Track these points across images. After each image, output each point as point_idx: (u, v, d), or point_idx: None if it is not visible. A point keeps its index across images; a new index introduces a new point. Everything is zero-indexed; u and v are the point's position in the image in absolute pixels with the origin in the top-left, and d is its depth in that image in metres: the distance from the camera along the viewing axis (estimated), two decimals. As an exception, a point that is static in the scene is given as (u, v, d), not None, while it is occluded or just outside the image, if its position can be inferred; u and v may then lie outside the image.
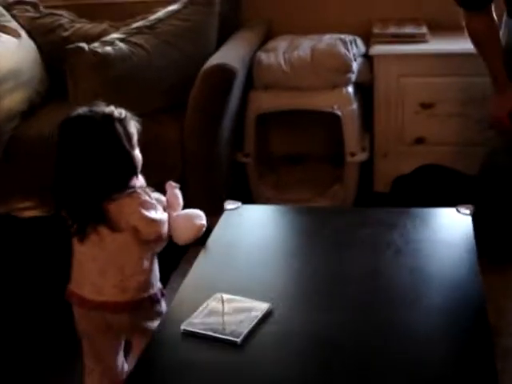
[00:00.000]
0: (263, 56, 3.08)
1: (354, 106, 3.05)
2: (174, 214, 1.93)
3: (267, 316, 1.61)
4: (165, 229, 1.87)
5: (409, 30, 3.25)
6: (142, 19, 3.15)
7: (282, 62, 3.03)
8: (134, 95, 2.87)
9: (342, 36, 3.14)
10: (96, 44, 2.87)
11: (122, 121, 1.84)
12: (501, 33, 2.60)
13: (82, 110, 1.86)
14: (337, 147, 3.23)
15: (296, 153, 3.51)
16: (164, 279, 2.27)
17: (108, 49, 2.84)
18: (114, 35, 2.98)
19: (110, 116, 1.83)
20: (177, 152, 2.83)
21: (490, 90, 2.66)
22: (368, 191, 3.32)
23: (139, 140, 1.89)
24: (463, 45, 3.07)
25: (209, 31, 3.09)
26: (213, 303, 1.65)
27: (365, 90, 3.26)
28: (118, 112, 1.86)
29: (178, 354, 1.53)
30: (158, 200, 1.90)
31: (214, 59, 2.82)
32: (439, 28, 3.33)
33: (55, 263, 2.83)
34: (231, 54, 2.92)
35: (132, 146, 1.85)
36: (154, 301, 1.90)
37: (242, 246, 1.95)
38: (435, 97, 3.14)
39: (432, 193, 3.29)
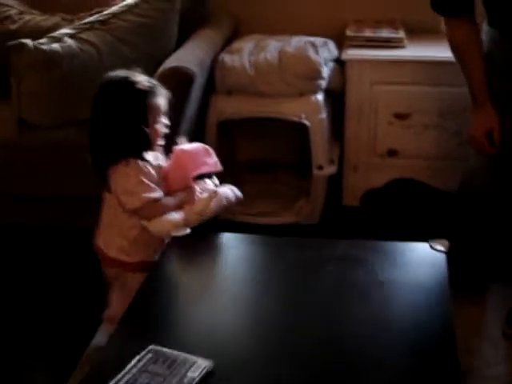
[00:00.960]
0: (227, 57, 2.83)
1: (323, 115, 2.82)
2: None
3: (208, 376, 1.37)
4: (145, 205, 1.92)
5: (385, 33, 3.02)
6: (98, 13, 2.90)
7: (247, 64, 2.79)
8: (81, 97, 2.60)
9: (312, 39, 2.90)
10: (43, 40, 2.62)
11: (149, 93, 1.94)
12: None
13: (119, 73, 2.00)
14: (304, 156, 3.02)
15: (261, 162, 3.29)
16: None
17: (55, 46, 2.59)
18: (64, 30, 2.72)
19: (136, 87, 1.93)
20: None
21: (470, 103, 2.45)
22: (337, 204, 3.11)
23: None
24: (442, 52, 2.87)
25: (167, 29, 2.84)
26: (144, 359, 1.41)
27: (336, 97, 3.04)
28: (149, 84, 1.96)
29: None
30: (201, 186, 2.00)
31: (171, 61, 2.58)
32: (418, 32, 3.12)
33: None
34: (190, 56, 2.67)
35: (154, 120, 1.95)
36: (131, 269, 2.02)
37: (185, 284, 1.71)
38: (411, 107, 2.92)
39: (404, 209, 3.09)
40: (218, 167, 2.08)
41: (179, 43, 2.87)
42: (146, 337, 1.47)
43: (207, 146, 2.09)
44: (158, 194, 1.96)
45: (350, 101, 2.95)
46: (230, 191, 2.06)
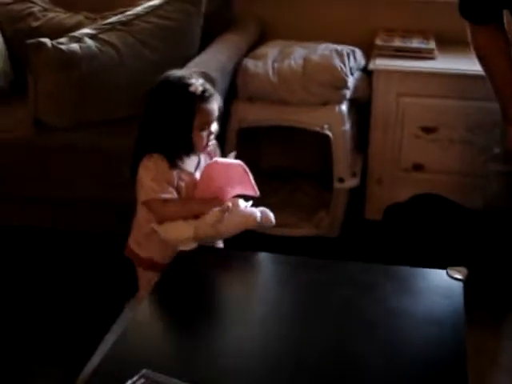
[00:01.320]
0: (250, 63, 2.76)
1: (347, 126, 2.74)
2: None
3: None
4: (150, 201, 1.91)
5: (415, 43, 2.93)
6: (122, 13, 2.84)
7: (270, 71, 2.72)
8: (99, 99, 2.59)
9: (339, 47, 2.81)
10: (62, 39, 2.57)
11: (200, 97, 1.89)
12: None
13: (177, 72, 1.97)
14: (327, 166, 2.93)
15: (283, 170, 3.21)
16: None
17: (74, 46, 2.54)
18: (84, 30, 2.67)
19: (188, 90, 1.89)
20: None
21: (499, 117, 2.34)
22: (359, 217, 3.03)
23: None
24: (473, 65, 2.76)
25: (191, 32, 2.77)
26: (137, 384, 1.35)
27: (362, 106, 2.95)
28: (202, 88, 1.91)
29: None
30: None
31: (192, 66, 2.51)
32: (449, 43, 3.01)
33: None
34: (212, 60, 2.61)
35: (201, 125, 1.90)
36: (141, 264, 2.03)
37: (187, 303, 1.62)
38: (438, 120, 2.83)
39: (427, 225, 2.99)
40: (255, 191, 1.98)
41: (203, 47, 2.81)
42: (141, 360, 1.40)
43: (245, 166, 1.99)
44: (167, 195, 1.91)
45: (375, 112, 2.86)
46: (258, 213, 1.94)
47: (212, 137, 1.97)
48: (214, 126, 1.97)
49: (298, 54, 2.79)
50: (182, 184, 1.94)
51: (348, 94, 2.75)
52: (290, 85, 2.69)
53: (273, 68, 2.73)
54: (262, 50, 2.87)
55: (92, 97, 2.58)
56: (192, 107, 1.88)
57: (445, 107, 2.80)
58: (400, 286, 1.69)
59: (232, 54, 2.75)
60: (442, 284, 1.69)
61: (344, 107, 2.74)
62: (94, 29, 2.66)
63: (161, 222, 1.92)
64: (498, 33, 2.18)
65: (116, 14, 2.84)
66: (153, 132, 1.93)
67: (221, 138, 2.76)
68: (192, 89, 1.89)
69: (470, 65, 2.73)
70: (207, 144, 1.96)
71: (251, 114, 2.77)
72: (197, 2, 2.78)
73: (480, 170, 2.80)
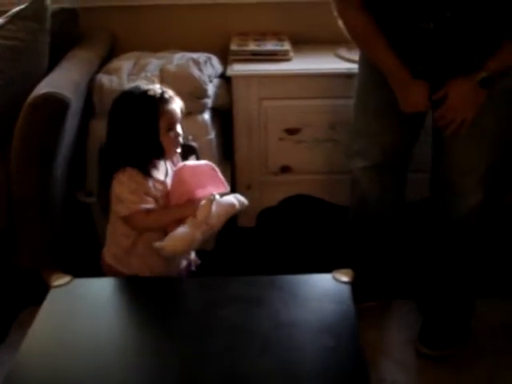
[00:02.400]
0: (104, 79, 2.64)
1: (212, 135, 2.68)
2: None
3: None
4: (132, 214, 1.89)
5: (270, 46, 2.90)
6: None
7: (127, 85, 2.60)
8: None
9: (195, 55, 2.75)
10: None
11: (161, 99, 1.91)
12: None
13: (130, 85, 2.02)
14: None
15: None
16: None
17: None
18: None
19: (148, 94, 1.90)
20: (0, 196, 2.35)
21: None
22: (232, 226, 2.97)
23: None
24: (330, 63, 2.81)
25: (37, 50, 2.61)
26: None
27: (225, 115, 2.90)
28: (161, 91, 1.93)
29: None
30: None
31: (42, 87, 2.35)
32: (303, 43, 3.02)
33: None
34: (63, 79, 2.46)
35: (167, 127, 1.91)
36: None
37: (63, 343, 1.50)
38: (301, 121, 2.82)
39: (302, 226, 2.99)
40: (226, 188, 2.00)
41: (52, 65, 2.66)
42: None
43: (213, 165, 2.02)
44: (147, 205, 1.91)
45: (238, 118, 2.82)
46: (233, 198, 2.01)
47: (180, 139, 1.96)
48: (179, 128, 1.96)
49: (154, 66, 2.69)
50: (158, 193, 1.95)
51: (209, 102, 2.68)
52: (148, 98, 2.59)
53: (129, 81, 2.62)
54: (115, 64, 2.75)
55: None
56: (155, 110, 1.89)
57: (306, 107, 2.79)
58: (288, 296, 1.64)
59: (84, 71, 2.62)
60: (330, 289, 1.66)
61: (207, 116, 2.68)
62: None
63: (142, 232, 1.95)
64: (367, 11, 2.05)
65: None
66: (121, 145, 1.91)
67: (80, 160, 2.65)
68: (151, 93, 1.90)
69: (325, 64, 2.77)
70: (176, 146, 1.97)
71: (111, 132, 2.65)
72: (41, 19, 2.63)
73: (346, 167, 2.82)
